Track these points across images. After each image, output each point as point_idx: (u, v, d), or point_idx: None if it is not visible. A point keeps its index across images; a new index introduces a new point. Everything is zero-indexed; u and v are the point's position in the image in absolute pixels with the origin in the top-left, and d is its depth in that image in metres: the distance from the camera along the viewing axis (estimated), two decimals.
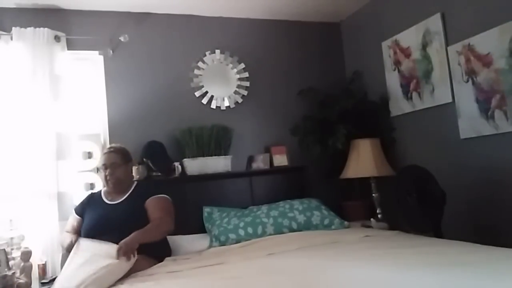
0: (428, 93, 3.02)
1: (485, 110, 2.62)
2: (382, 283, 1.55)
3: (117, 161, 2.53)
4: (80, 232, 2.45)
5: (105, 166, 2.52)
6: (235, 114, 3.46)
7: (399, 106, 3.28)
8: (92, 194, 2.66)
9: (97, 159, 2.94)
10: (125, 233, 2.15)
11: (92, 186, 3.06)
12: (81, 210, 2.54)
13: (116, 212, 2.40)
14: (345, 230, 2.78)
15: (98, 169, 2.83)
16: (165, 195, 2.52)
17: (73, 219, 2.56)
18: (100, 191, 2.63)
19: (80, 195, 2.81)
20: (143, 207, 2.44)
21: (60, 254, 2.68)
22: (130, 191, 2.55)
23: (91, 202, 2.55)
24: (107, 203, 2.50)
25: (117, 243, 2.08)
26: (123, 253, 2.02)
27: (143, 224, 2.29)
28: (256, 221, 2.77)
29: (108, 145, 2.95)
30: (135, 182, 2.66)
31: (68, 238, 2.43)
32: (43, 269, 2.57)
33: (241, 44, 3.56)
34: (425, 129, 3.09)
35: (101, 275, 1.91)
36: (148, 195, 2.49)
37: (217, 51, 3.47)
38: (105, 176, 2.52)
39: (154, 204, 2.45)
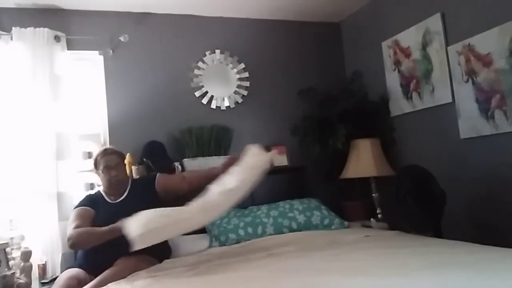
0: (428, 93, 3.02)
1: (485, 110, 2.62)
2: (382, 283, 1.55)
3: (120, 162, 2.58)
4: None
5: (109, 167, 2.50)
6: (235, 114, 3.46)
7: (399, 106, 3.28)
8: (90, 195, 2.60)
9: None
10: None
11: (92, 186, 3.06)
12: (91, 205, 2.47)
13: (128, 207, 2.25)
14: (345, 230, 2.78)
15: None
16: None
17: (85, 212, 2.43)
18: (99, 192, 2.59)
19: (80, 195, 2.80)
20: (150, 193, 2.52)
21: (60, 254, 2.68)
22: (129, 186, 2.57)
23: (95, 203, 2.50)
24: (112, 203, 2.49)
25: None
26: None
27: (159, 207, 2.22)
28: (256, 221, 2.77)
29: (107, 145, 2.95)
30: (129, 179, 2.67)
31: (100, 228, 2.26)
32: (43, 269, 2.57)
33: (241, 44, 3.56)
34: (425, 129, 3.08)
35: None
36: (150, 181, 2.59)
37: (217, 51, 3.47)
38: (110, 178, 2.50)
39: (167, 177, 2.65)
